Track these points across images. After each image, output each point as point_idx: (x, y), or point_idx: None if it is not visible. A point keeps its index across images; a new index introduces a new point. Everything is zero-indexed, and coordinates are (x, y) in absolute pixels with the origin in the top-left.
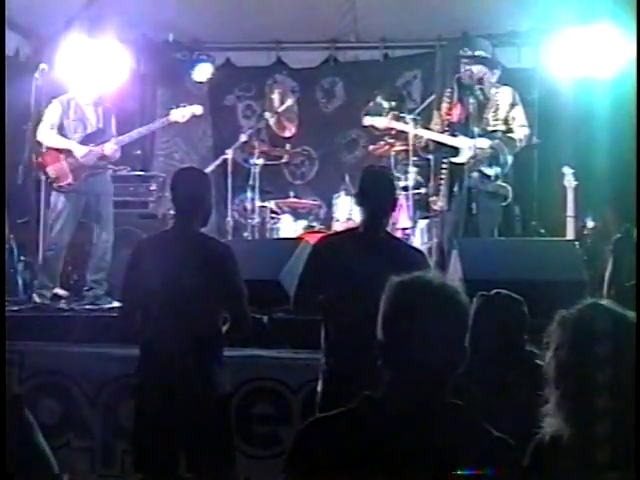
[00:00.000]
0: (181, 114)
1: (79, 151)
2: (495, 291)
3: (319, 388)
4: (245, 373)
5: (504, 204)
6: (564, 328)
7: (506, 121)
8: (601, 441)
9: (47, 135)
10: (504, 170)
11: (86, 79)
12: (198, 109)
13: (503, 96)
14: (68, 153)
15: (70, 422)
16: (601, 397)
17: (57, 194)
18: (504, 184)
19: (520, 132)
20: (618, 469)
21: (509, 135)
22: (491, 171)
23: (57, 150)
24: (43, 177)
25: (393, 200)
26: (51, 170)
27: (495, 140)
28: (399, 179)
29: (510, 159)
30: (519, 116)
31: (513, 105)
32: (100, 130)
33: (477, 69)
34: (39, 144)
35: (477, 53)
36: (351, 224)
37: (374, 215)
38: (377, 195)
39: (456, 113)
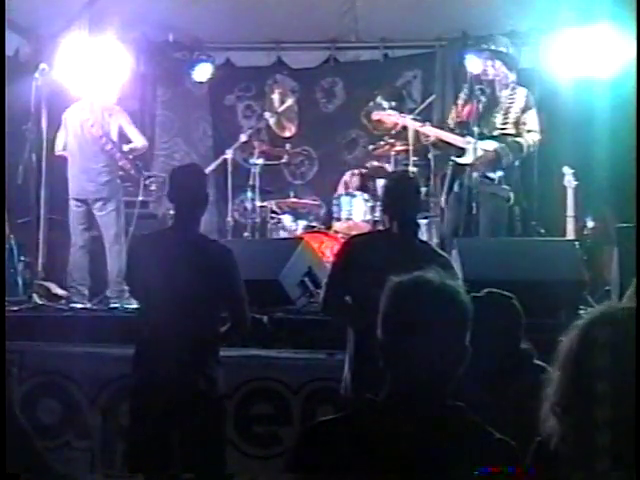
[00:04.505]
0: None
1: None
2: (486, 290)
3: (342, 392)
4: (245, 373)
5: (509, 205)
6: (594, 333)
7: (517, 125)
8: (604, 448)
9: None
10: (509, 174)
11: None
12: None
13: (517, 98)
14: None
15: (70, 422)
16: (604, 409)
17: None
18: (506, 187)
19: (529, 138)
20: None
21: (517, 140)
22: (494, 175)
23: None
24: None
25: (419, 203)
26: None
27: (502, 144)
28: None
29: (516, 163)
30: (530, 121)
31: (525, 109)
32: None
33: (498, 64)
34: None
35: (500, 49)
36: (351, 224)
37: (403, 218)
38: (405, 199)
39: (466, 111)
